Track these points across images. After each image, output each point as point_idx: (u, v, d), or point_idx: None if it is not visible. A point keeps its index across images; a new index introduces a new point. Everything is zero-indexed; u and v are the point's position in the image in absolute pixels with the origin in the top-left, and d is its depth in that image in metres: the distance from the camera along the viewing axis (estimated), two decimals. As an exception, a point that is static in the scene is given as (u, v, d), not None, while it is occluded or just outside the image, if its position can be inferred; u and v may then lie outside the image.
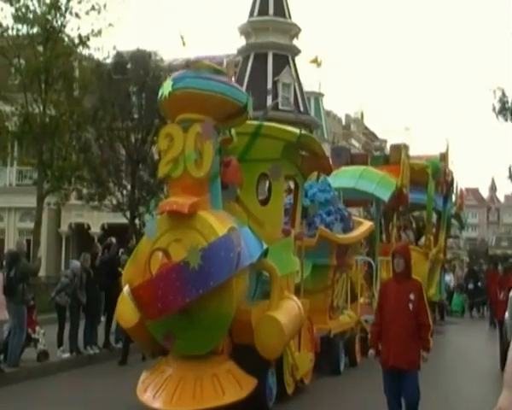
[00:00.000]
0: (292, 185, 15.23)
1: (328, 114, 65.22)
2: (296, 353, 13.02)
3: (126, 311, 11.70)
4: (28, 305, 15.43)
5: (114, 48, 31.97)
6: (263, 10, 50.88)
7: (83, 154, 31.20)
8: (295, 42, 52.23)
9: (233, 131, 12.64)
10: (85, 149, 31.37)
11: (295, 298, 12.64)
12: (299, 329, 12.42)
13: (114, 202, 32.20)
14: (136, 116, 32.11)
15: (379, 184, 20.60)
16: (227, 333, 11.69)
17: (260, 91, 41.83)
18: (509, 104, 34.49)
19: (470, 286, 33.15)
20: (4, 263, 15.68)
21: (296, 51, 51.79)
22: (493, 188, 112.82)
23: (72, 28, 29.50)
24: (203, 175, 11.34)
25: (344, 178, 20.60)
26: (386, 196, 20.51)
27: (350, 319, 17.45)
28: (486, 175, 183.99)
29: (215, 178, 11.78)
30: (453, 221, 32.18)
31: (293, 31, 51.81)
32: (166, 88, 11.63)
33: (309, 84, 56.26)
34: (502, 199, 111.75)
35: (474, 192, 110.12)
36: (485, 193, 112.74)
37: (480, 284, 32.85)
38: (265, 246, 12.10)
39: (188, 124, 11.48)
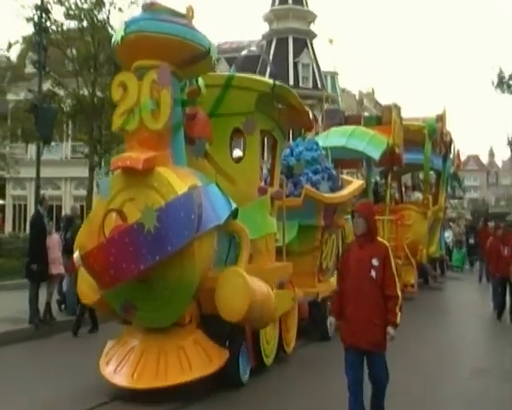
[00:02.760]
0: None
1: (343, 90, 63.46)
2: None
3: (86, 287, 9.32)
4: None
5: None
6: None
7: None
8: (312, 27, 52.58)
9: (201, 82, 9.97)
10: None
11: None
12: (268, 311, 9.49)
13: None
14: None
15: (369, 142, 17.69)
16: (194, 303, 9.16)
17: (283, 71, 45.04)
18: (506, 79, 35.10)
19: (471, 241, 30.20)
20: (62, 226, 15.72)
21: (313, 35, 52.21)
22: (492, 154, 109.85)
23: (116, 21, 28.97)
24: (161, 127, 8.77)
25: (334, 137, 17.81)
26: (376, 154, 17.59)
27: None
28: (486, 143, 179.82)
29: (177, 131, 9.23)
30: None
31: (310, 17, 52.33)
32: (119, 33, 9.14)
33: (326, 65, 55.96)
34: (499, 164, 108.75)
35: (475, 158, 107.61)
36: (484, 159, 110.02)
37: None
38: (234, 206, 9.41)
39: (143, 71, 8.87)
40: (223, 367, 8.94)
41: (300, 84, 47.98)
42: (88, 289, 9.26)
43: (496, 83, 35.28)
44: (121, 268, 8.33)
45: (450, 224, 35.85)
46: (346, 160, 17.69)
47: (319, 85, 50.35)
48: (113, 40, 9.23)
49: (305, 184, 12.99)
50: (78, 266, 9.12)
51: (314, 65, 50.97)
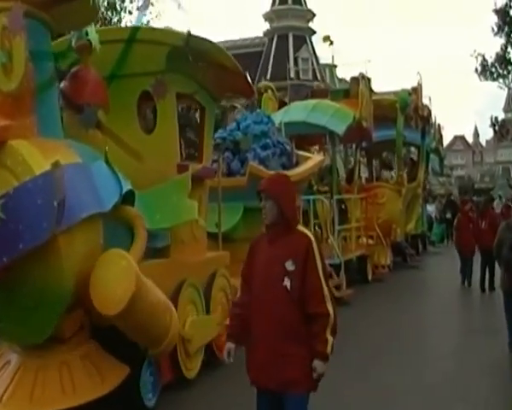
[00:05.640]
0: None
1: (340, 81, 60.99)
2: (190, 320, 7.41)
3: None
4: None
5: None
6: (282, 0, 48.65)
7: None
8: (311, 24, 50.01)
9: (94, 35, 6.78)
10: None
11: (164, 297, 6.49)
12: (160, 316, 6.28)
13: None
14: None
15: (333, 116, 14.10)
16: (82, 311, 6.10)
17: (284, 66, 44.03)
18: (489, 67, 33.79)
19: (448, 216, 26.91)
20: None
21: (312, 32, 49.42)
22: (477, 134, 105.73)
23: (126, 22, 27.11)
24: (15, 87, 5.58)
25: (295, 111, 14.35)
26: (340, 128, 13.95)
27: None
28: (471, 124, 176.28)
29: (44, 93, 5.99)
30: (433, 156, 25.50)
31: (309, 16, 49.53)
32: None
33: (324, 58, 56.21)
34: (484, 143, 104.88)
35: (461, 138, 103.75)
36: (470, 139, 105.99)
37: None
38: (128, 187, 6.28)
39: (-6, 17, 5.72)
40: (122, 387, 5.96)
41: (301, 77, 46.53)
42: None
43: (479, 70, 33.90)
44: (-41, 273, 5.36)
45: (440, 200, 32.61)
46: (309, 136, 14.45)
47: (318, 77, 47.98)
48: None
49: (253, 160, 9.85)
50: None
51: (313, 59, 48.90)
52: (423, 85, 20.11)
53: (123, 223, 6.42)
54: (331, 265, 12.42)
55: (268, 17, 49.76)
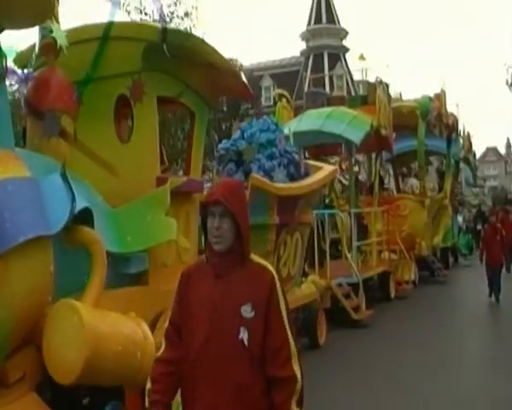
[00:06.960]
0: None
1: None
2: None
3: None
4: None
5: None
6: (317, 19, 49.26)
7: (186, 141, 29.40)
8: (344, 42, 50.50)
9: (60, 34, 5.64)
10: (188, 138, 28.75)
11: (141, 324, 5.28)
12: (129, 358, 4.97)
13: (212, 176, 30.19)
14: (224, 109, 32.33)
15: (349, 124, 12.77)
16: (32, 351, 4.80)
17: (319, 83, 43.66)
18: None
19: (479, 227, 25.27)
20: None
21: (346, 49, 49.87)
22: (509, 145, 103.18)
23: None
24: None
25: (309, 120, 13.09)
26: (357, 137, 12.61)
27: (312, 288, 9.99)
28: (503, 135, 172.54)
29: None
30: (463, 165, 23.94)
31: (342, 34, 50.13)
32: None
33: (359, 74, 54.13)
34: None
35: (494, 150, 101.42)
36: (502, 150, 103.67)
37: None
38: (83, 205, 5.05)
39: None
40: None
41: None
42: None
43: (510, 82, 32.37)
44: None
45: (469, 209, 31.00)
46: (325, 145, 13.18)
47: (352, 93, 47.57)
48: None
49: (257, 171, 8.63)
50: None
51: (347, 76, 49.05)
52: (451, 94, 18.74)
53: (82, 247, 5.23)
54: (349, 284, 11.17)
55: (304, 37, 50.18)
